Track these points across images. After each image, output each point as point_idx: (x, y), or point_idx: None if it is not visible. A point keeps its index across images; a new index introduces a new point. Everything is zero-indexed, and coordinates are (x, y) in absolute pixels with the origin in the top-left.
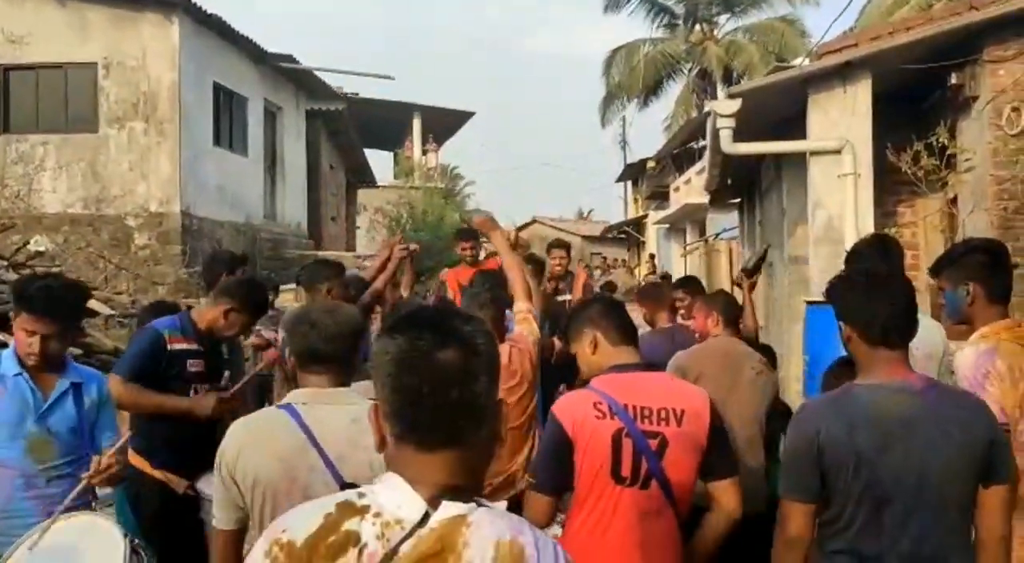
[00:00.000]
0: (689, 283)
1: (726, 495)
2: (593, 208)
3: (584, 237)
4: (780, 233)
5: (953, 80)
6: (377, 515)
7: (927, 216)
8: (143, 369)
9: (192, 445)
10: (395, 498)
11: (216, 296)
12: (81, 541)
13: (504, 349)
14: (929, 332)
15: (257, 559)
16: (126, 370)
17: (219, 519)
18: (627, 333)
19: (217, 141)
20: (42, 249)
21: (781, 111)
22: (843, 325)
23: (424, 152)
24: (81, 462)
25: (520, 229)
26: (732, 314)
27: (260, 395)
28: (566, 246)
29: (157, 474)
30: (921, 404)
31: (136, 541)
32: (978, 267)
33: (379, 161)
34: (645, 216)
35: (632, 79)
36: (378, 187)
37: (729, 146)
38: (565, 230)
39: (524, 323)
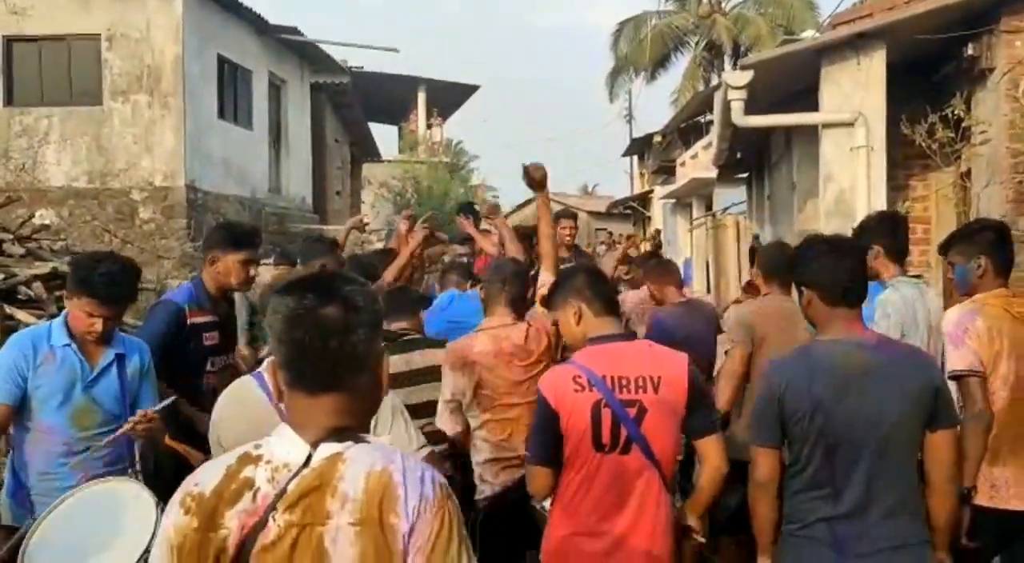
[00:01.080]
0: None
1: (711, 451)
2: (599, 183)
3: (589, 212)
4: (790, 207)
5: (969, 51)
6: (268, 462)
7: (939, 190)
8: (165, 346)
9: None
10: (284, 445)
11: (205, 253)
12: (118, 503)
13: (521, 329)
14: (934, 304)
15: (173, 510)
16: (152, 346)
17: None
18: (610, 304)
19: (221, 114)
20: (47, 223)
21: (793, 84)
22: (805, 290)
23: (429, 126)
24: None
25: (525, 204)
26: (779, 268)
27: None
28: (573, 216)
29: (175, 445)
30: (874, 357)
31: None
32: (988, 243)
33: (384, 135)
34: (651, 191)
35: (639, 52)
36: (383, 161)
37: (740, 119)
38: (570, 205)
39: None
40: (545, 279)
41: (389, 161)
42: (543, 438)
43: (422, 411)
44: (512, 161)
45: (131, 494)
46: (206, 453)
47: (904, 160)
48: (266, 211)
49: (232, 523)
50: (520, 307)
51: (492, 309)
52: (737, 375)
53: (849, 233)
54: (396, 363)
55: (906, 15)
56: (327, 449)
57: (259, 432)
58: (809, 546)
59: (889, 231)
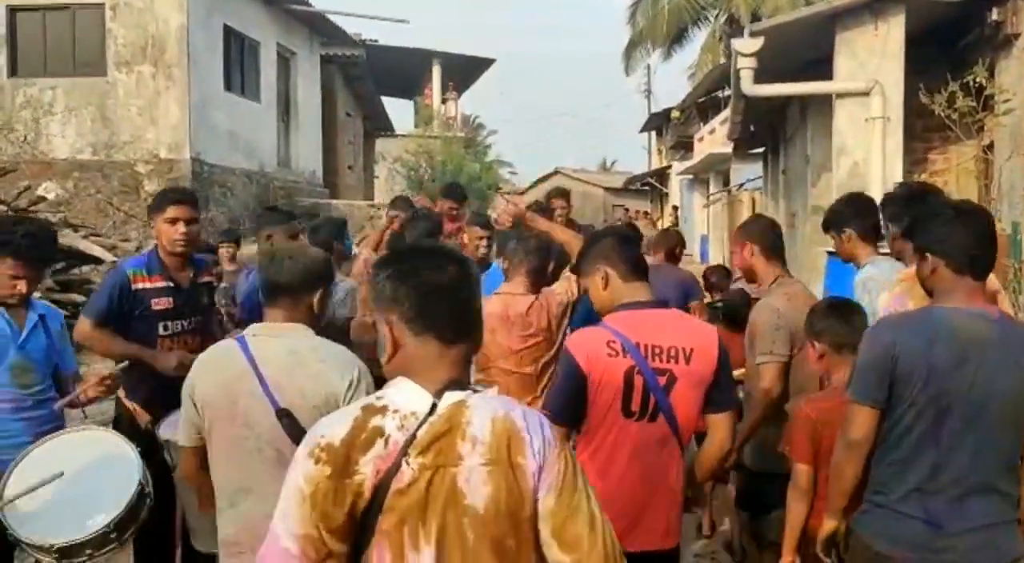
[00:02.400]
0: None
1: (721, 427)
2: (617, 159)
3: (607, 188)
4: (804, 182)
5: (993, 16)
6: (395, 411)
7: (960, 163)
8: (109, 309)
9: (165, 388)
10: (407, 396)
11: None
12: (90, 445)
13: (527, 300)
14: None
15: (302, 460)
16: (93, 312)
17: (182, 437)
18: (638, 269)
19: (228, 86)
20: (50, 196)
21: (807, 53)
22: (929, 256)
23: (444, 101)
24: (54, 387)
25: (542, 180)
26: (780, 245)
27: None
28: (565, 195)
29: (128, 404)
30: (996, 330)
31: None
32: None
33: (399, 109)
34: (668, 167)
35: (656, 26)
36: (396, 136)
37: (750, 87)
38: (588, 181)
39: (565, 281)
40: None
41: (403, 136)
42: (567, 399)
43: None
44: (530, 136)
45: (98, 436)
46: (159, 409)
47: (923, 132)
48: (274, 185)
49: (367, 468)
50: (537, 279)
51: (511, 277)
52: (771, 403)
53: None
54: None
55: None
56: (451, 397)
57: (234, 398)
58: (899, 520)
59: (860, 213)
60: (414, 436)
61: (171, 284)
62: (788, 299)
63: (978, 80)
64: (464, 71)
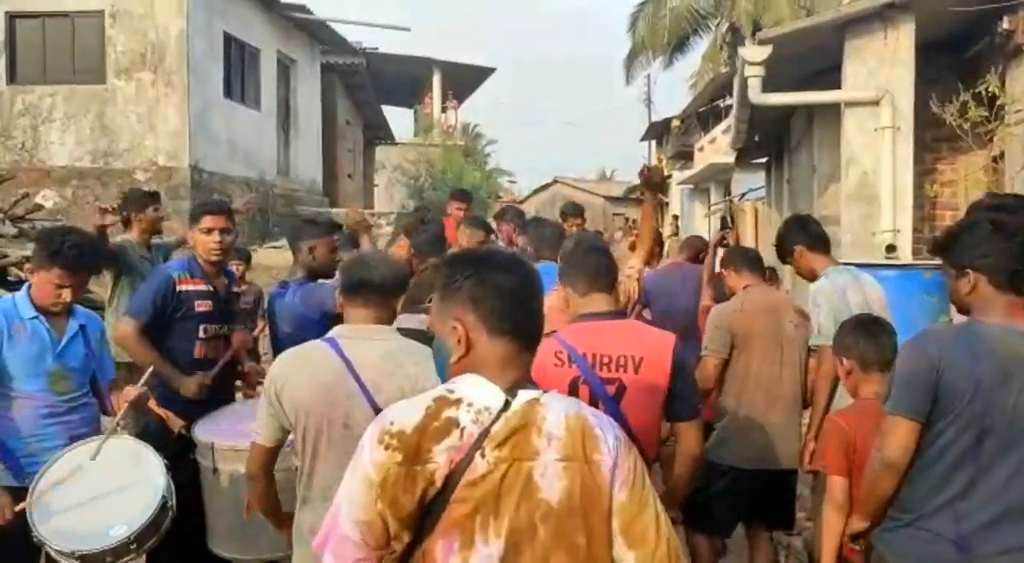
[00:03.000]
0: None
1: (686, 436)
2: (617, 168)
3: (606, 198)
4: (809, 192)
5: (1004, 25)
6: (470, 405)
7: (969, 174)
8: (154, 309)
9: (200, 400)
10: (481, 391)
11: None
12: (119, 454)
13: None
14: (872, 288)
15: (370, 446)
16: (137, 312)
17: (261, 436)
18: (595, 280)
19: (228, 94)
20: (48, 204)
21: (815, 62)
22: (969, 272)
23: (444, 109)
24: (91, 393)
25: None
26: (751, 261)
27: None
28: (580, 213)
29: (159, 411)
30: None
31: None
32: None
33: (400, 118)
34: (669, 176)
35: (657, 34)
36: (397, 144)
37: (758, 96)
38: (587, 190)
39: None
40: (634, 264)
41: (404, 144)
42: None
43: None
44: (530, 144)
45: (127, 446)
46: (190, 413)
47: (932, 142)
48: (274, 193)
49: (440, 457)
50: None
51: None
52: (706, 392)
53: (872, 220)
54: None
55: None
56: (526, 395)
57: (333, 399)
58: (926, 540)
59: (801, 229)
60: (488, 430)
61: (211, 288)
62: (741, 304)
63: (990, 89)
64: (464, 80)
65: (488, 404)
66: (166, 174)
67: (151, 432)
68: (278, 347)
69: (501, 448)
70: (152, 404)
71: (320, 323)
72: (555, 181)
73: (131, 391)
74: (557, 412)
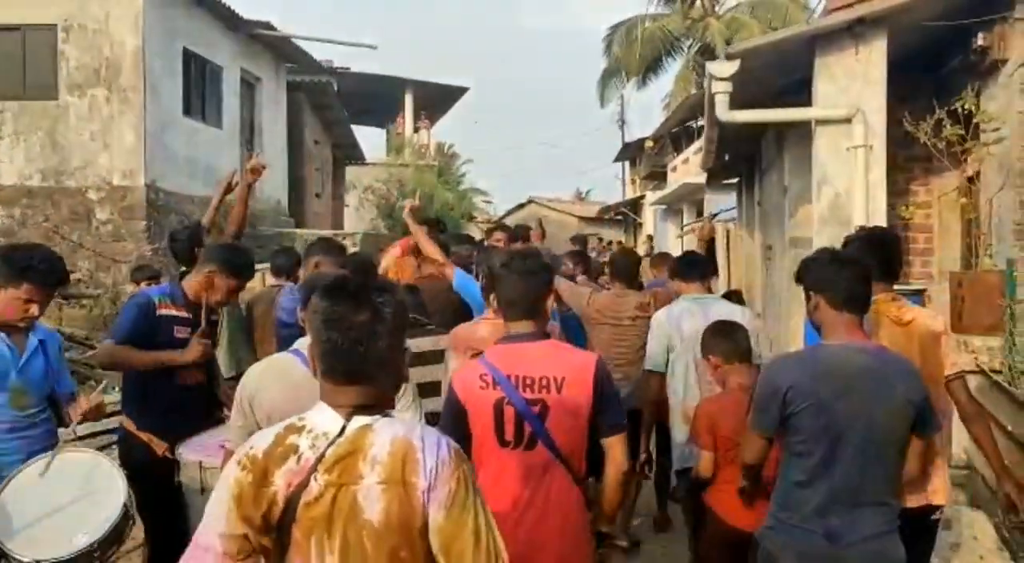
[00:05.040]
0: (576, 254)
1: (614, 450)
2: (592, 188)
3: (580, 218)
4: (781, 214)
5: (979, 41)
6: (310, 431)
7: (943, 195)
8: (133, 332)
9: (177, 414)
10: (323, 418)
11: (200, 263)
12: (79, 466)
13: None
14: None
15: (232, 468)
16: (120, 336)
17: (232, 442)
18: (517, 305)
19: (188, 111)
20: None
21: (785, 78)
22: (812, 295)
23: (416, 129)
24: (48, 408)
25: (512, 211)
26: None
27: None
28: (508, 230)
29: (141, 435)
30: (873, 361)
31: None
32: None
33: (372, 138)
34: (642, 197)
35: (631, 56)
36: (367, 164)
37: (725, 113)
38: (562, 211)
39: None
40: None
41: (375, 164)
42: (447, 425)
43: (427, 391)
44: (504, 165)
45: (88, 458)
46: (173, 435)
47: (904, 163)
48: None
49: (280, 481)
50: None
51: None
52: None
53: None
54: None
55: None
56: (358, 421)
57: (299, 404)
58: (802, 535)
59: (672, 260)
60: (323, 455)
61: (190, 315)
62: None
63: (967, 107)
64: (437, 99)
65: (326, 429)
66: (120, 193)
67: (135, 457)
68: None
69: (330, 472)
70: (133, 428)
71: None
72: (530, 201)
73: (83, 402)
74: (384, 437)
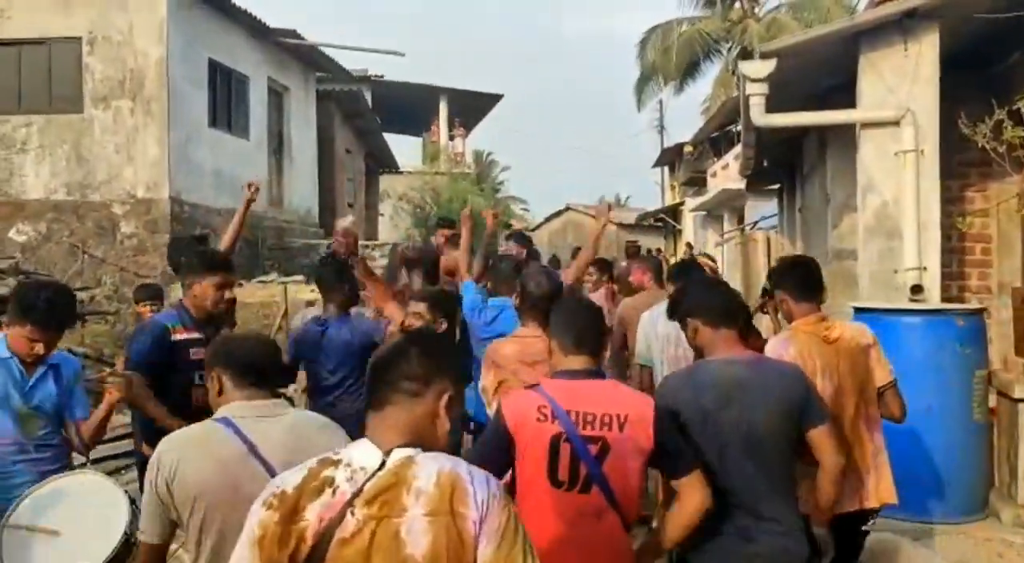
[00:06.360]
0: (598, 261)
1: (688, 490)
2: (631, 195)
3: (619, 225)
4: (823, 223)
5: None
6: (347, 465)
7: (1002, 202)
8: (150, 362)
9: None
10: (361, 453)
11: (183, 279)
12: (85, 491)
13: (546, 341)
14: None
15: (256, 511)
16: (134, 366)
17: (147, 533)
18: (581, 340)
19: (214, 122)
20: (22, 239)
21: (827, 78)
22: (690, 320)
23: (451, 137)
24: (59, 433)
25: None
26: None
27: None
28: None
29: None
30: (750, 372)
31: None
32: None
33: (407, 147)
34: (682, 203)
35: (667, 60)
36: (401, 173)
37: (761, 117)
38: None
39: None
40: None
41: (410, 173)
42: (487, 453)
43: None
44: (541, 171)
45: (95, 482)
46: None
47: (959, 167)
48: (264, 225)
49: (311, 515)
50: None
51: (523, 318)
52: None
53: (893, 255)
54: None
55: None
56: (400, 453)
57: (236, 484)
58: (720, 539)
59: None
60: (361, 489)
61: (203, 336)
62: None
63: None
64: (472, 107)
65: (365, 464)
66: (144, 206)
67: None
68: (321, 383)
69: (370, 506)
70: (145, 450)
71: (360, 353)
72: (567, 208)
73: (114, 392)
74: (430, 469)
